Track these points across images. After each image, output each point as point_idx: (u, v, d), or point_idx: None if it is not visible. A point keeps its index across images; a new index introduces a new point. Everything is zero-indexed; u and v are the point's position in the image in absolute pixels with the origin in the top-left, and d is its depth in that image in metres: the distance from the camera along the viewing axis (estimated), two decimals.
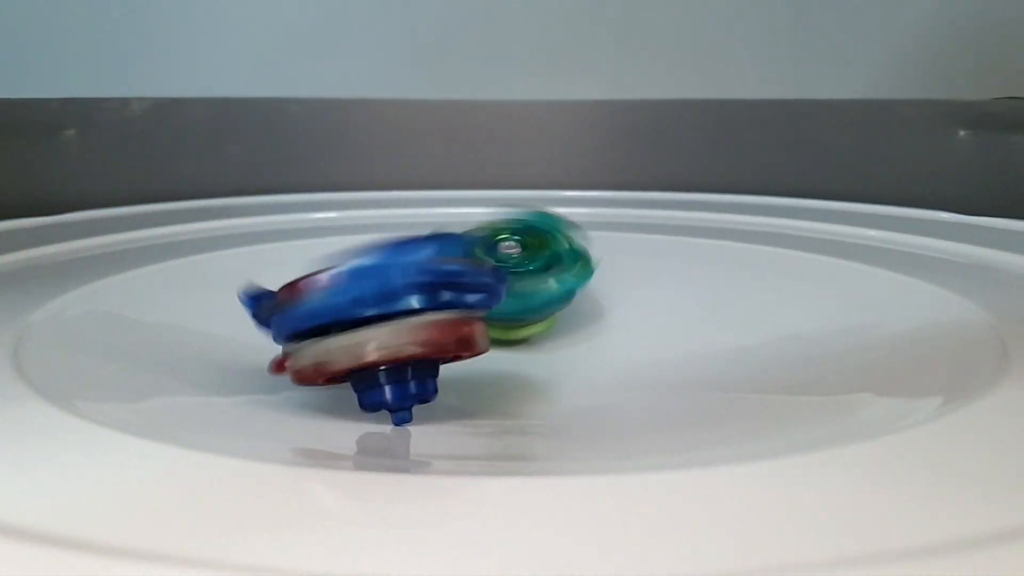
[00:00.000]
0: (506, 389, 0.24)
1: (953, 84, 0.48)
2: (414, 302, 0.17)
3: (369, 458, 0.19)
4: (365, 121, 0.49)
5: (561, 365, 0.25)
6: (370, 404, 0.18)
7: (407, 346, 0.17)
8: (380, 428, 0.20)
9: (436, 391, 0.18)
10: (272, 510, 0.13)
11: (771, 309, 0.28)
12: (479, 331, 0.18)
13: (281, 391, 0.24)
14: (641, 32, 0.50)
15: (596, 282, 0.25)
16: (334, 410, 0.23)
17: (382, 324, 0.17)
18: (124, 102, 0.47)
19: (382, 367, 0.18)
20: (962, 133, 0.47)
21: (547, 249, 0.26)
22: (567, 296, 0.25)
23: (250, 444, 0.19)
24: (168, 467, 0.14)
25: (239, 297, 0.19)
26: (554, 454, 0.21)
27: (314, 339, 0.18)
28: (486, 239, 0.26)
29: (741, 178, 0.46)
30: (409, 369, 0.18)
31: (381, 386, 0.18)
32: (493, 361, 0.25)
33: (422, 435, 0.21)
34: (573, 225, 0.26)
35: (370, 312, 0.17)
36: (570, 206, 0.42)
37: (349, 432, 0.21)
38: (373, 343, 0.17)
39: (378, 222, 0.38)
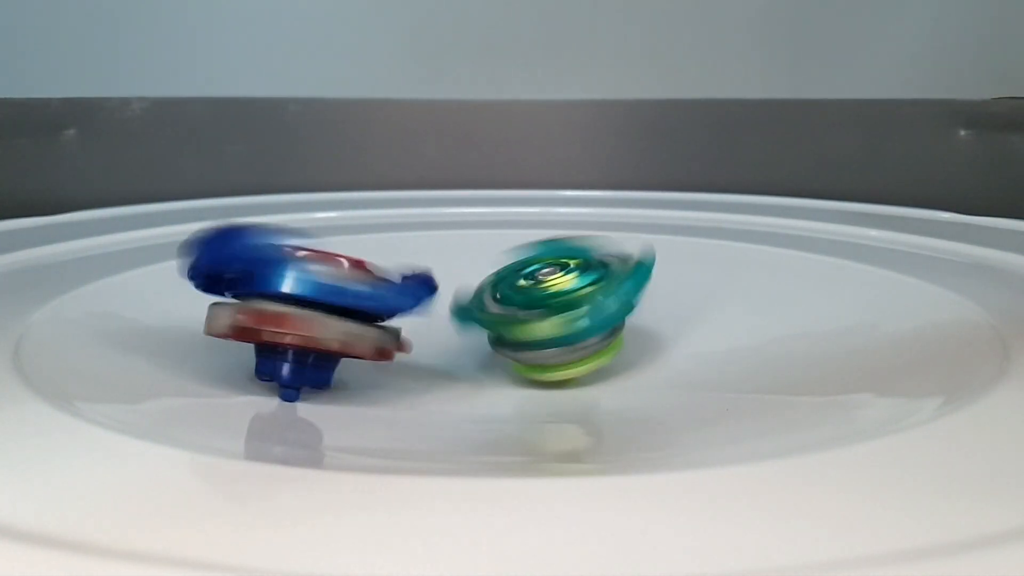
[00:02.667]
0: (507, 388, 0.24)
1: (953, 84, 0.48)
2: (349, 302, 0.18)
3: (374, 460, 0.19)
4: (365, 121, 0.49)
5: None
6: (265, 372, 0.19)
7: (330, 341, 0.18)
8: (384, 430, 0.20)
9: (330, 382, 0.20)
10: (272, 511, 0.13)
11: (771, 309, 0.28)
12: (395, 343, 0.20)
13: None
14: (641, 32, 0.50)
15: None
16: (336, 410, 0.23)
17: (306, 309, 0.18)
18: (124, 102, 0.47)
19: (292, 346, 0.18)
20: (962, 133, 0.47)
21: (589, 272, 0.22)
22: (608, 322, 0.22)
23: (250, 445, 0.19)
24: (168, 467, 0.14)
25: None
26: (553, 455, 0.21)
27: (255, 299, 0.18)
28: (520, 266, 0.24)
29: (741, 178, 0.46)
30: (312, 356, 0.19)
31: (283, 362, 0.19)
32: (499, 369, 0.25)
33: (424, 437, 0.21)
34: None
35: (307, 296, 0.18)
36: (570, 206, 0.42)
37: (351, 433, 0.21)
38: (311, 328, 0.18)
39: (378, 222, 0.38)
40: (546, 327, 0.21)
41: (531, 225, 0.37)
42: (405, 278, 0.20)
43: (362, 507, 0.13)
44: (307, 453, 0.19)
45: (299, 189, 0.44)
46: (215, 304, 0.19)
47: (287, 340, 0.18)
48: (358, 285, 0.18)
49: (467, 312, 0.23)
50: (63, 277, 0.27)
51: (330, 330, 0.18)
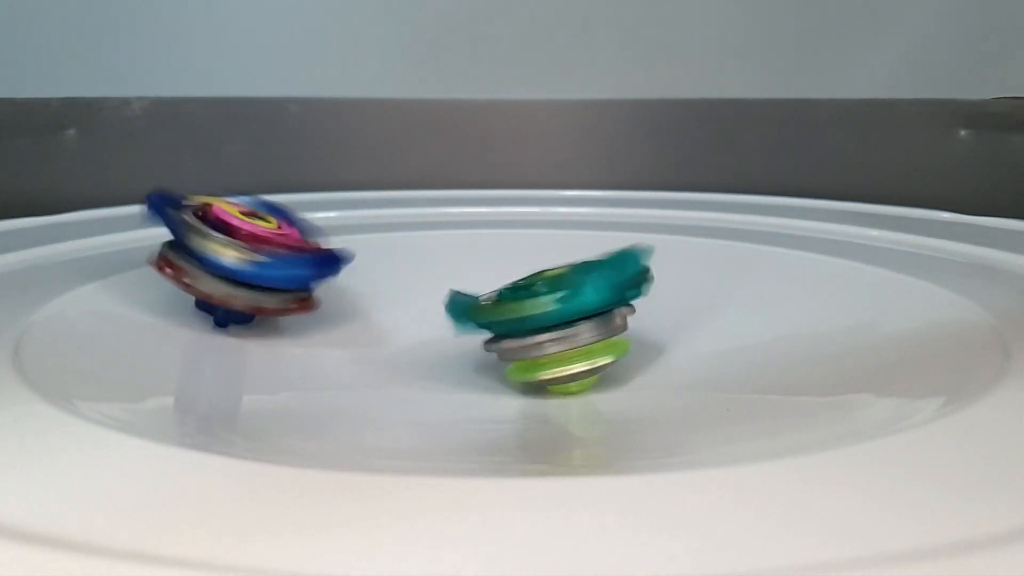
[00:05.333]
0: (503, 388, 0.24)
1: (953, 84, 0.48)
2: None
3: (374, 460, 0.19)
4: (365, 121, 0.49)
5: None
6: (203, 309, 0.25)
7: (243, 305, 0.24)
8: (383, 431, 0.20)
9: (250, 321, 0.25)
10: (272, 511, 0.13)
11: (771, 309, 0.28)
12: (303, 304, 0.25)
13: (282, 391, 0.24)
14: (641, 32, 0.50)
15: None
16: (335, 410, 0.23)
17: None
18: (124, 102, 0.47)
19: None
20: (962, 133, 0.47)
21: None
22: (593, 293, 0.21)
23: (250, 444, 0.19)
24: (168, 467, 0.14)
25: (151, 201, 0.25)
26: (552, 456, 0.21)
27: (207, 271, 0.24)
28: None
29: (741, 178, 0.46)
30: None
31: (216, 308, 0.25)
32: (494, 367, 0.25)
33: (423, 437, 0.21)
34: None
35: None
36: (570, 206, 0.42)
37: (350, 431, 0.21)
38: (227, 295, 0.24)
39: (378, 222, 0.38)
40: (539, 302, 0.21)
41: (531, 225, 0.37)
42: (308, 252, 0.25)
43: (365, 507, 0.13)
44: (306, 453, 0.19)
45: (299, 189, 0.44)
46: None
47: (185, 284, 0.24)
48: (232, 262, 0.24)
49: (463, 304, 0.23)
50: (63, 277, 0.27)
51: (208, 285, 0.24)
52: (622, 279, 0.22)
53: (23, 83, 0.47)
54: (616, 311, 0.22)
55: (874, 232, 0.33)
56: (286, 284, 0.25)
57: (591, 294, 0.21)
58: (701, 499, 0.13)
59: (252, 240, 0.24)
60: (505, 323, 0.22)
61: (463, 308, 0.23)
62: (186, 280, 0.24)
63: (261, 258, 0.24)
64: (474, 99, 0.48)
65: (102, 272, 0.27)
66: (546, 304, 0.21)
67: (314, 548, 0.11)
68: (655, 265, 0.27)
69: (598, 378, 0.23)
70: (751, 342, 0.26)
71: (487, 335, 0.23)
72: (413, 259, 0.32)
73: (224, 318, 0.25)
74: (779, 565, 0.11)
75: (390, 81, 0.49)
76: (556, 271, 0.23)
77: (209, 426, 0.20)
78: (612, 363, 0.22)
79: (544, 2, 0.49)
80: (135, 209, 0.38)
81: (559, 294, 0.21)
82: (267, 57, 0.49)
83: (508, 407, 0.23)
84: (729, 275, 0.31)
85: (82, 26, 0.47)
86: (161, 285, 0.28)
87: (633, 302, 0.22)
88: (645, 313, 0.28)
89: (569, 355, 0.22)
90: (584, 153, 0.49)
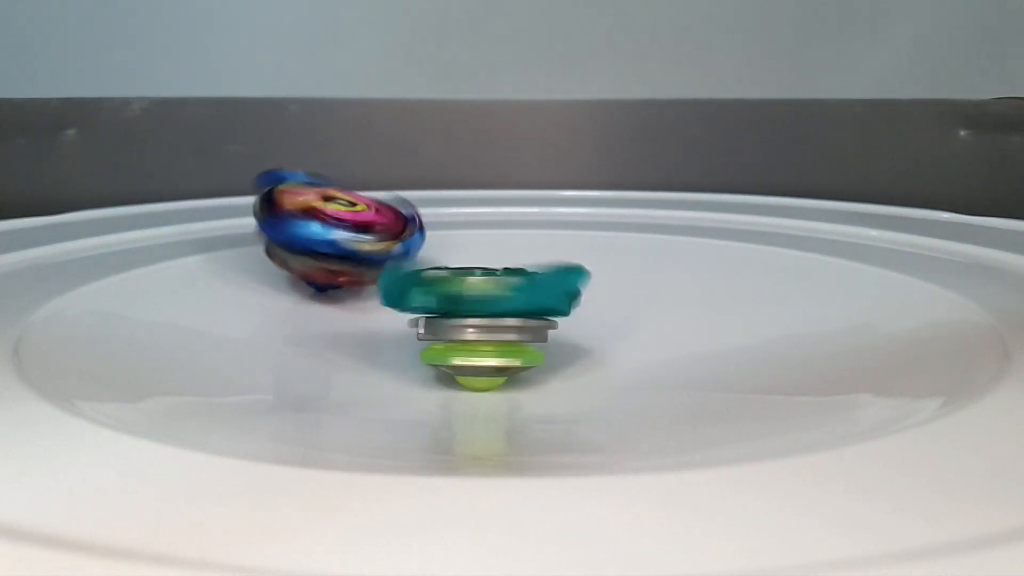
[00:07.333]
0: (499, 388, 0.24)
1: (953, 84, 0.48)
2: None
3: (370, 459, 0.19)
4: (365, 121, 0.49)
5: (555, 365, 0.25)
6: (306, 282, 0.29)
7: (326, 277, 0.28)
8: (379, 429, 0.20)
9: (340, 287, 0.29)
10: (273, 511, 0.13)
11: (771, 309, 0.28)
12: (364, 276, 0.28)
13: (282, 390, 0.24)
14: (641, 32, 0.50)
15: (593, 281, 0.24)
16: (337, 409, 0.23)
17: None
18: (124, 102, 0.47)
19: None
20: (962, 133, 0.47)
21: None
22: (541, 293, 0.21)
23: (250, 444, 0.19)
24: (168, 467, 0.14)
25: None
26: (551, 456, 0.21)
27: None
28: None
29: (741, 178, 0.46)
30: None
31: (320, 283, 0.28)
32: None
33: (416, 435, 0.21)
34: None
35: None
36: (570, 206, 0.42)
37: (351, 431, 0.21)
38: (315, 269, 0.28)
39: None
40: (480, 282, 0.21)
41: (531, 225, 0.37)
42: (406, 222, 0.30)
43: (362, 507, 0.13)
44: (307, 453, 0.19)
45: None
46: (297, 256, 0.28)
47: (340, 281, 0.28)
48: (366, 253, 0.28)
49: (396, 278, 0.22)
50: (63, 277, 0.27)
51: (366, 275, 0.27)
52: (569, 291, 0.22)
53: (23, 83, 0.47)
54: (543, 321, 0.22)
55: (874, 232, 0.33)
56: (415, 254, 0.29)
57: (552, 293, 0.21)
58: (700, 498, 0.13)
59: (376, 227, 0.28)
60: (457, 298, 0.21)
61: (401, 282, 0.22)
62: (356, 278, 0.28)
63: (396, 240, 0.28)
64: (474, 99, 0.48)
65: (102, 272, 0.27)
66: (505, 286, 0.21)
67: (315, 548, 0.11)
68: (654, 266, 0.27)
69: (504, 380, 0.22)
70: (751, 342, 0.26)
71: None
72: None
73: (324, 286, 0.29)
74: (779, 565, 0.11)
75: (390, 81, 0.49)
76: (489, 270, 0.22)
77: (208, 426, 0.20)
78: (522, 369, 0.22)
79: (544, 3, 0.50)
80: (135, 209, 0.38)
81: (522, 281, 0.21)
82: (267, 57, 0.49)
83: (504, 402, 0.23)
84: (729, 275, 0.31)
85: (82, 26, 0.47)
86: (159, 285, 0.28)
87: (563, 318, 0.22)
88: (644, 312, 0.28)
89: (485, 347, 0.21)
90: (583, 153, 0.49)
